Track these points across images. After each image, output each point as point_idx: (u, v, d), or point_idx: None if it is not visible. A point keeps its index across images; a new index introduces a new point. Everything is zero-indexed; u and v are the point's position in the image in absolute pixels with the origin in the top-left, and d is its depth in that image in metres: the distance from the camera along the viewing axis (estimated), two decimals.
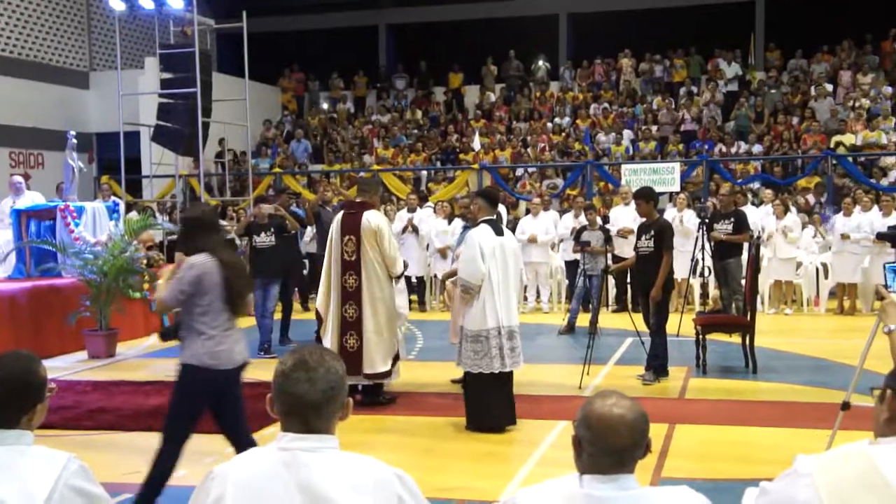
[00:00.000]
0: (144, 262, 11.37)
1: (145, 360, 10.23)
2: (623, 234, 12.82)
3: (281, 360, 2.21)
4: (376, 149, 20.12)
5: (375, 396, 7.51)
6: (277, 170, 18.66)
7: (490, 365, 6.60)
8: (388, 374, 7.44)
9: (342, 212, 7.60)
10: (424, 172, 19.19)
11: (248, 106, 15.85)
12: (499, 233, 6.75)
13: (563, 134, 19.86)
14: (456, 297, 7.26)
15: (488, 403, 6.66)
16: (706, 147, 17.78)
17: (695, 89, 20.16)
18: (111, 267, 10.43)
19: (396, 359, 7.52)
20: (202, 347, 4.58)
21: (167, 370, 9.34)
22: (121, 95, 14.99)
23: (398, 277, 7.45)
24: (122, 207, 12.91)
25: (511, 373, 6.79)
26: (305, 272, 14.05)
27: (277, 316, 10.70)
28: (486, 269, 6.55)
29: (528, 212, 14.66)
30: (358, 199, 7.58)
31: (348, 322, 7.37)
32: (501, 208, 14.19)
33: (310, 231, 13.59)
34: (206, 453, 5.47)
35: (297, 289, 14.43)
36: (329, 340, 7.36)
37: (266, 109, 22.40)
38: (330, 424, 2.20)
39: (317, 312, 7.61)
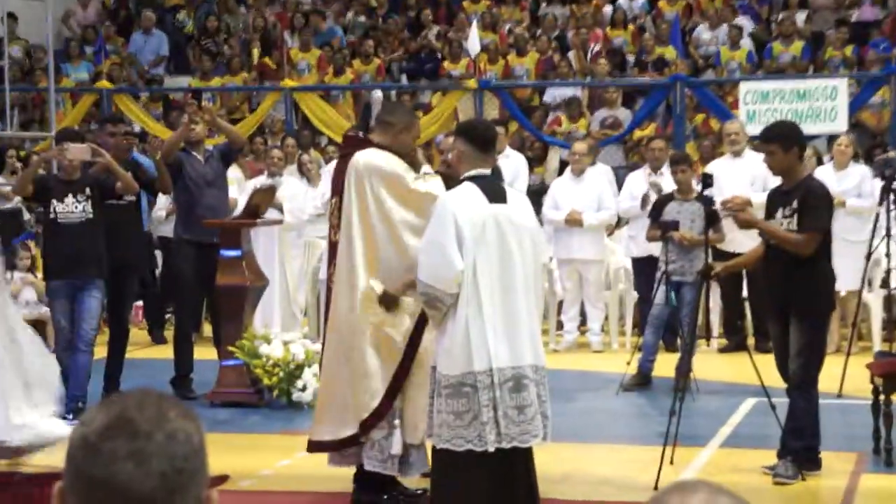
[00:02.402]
0: None
1: None
2: (738, 208, 12.76)
3: (83, 420, 2.16)
4: (289, 50, 20.02)
5: (375, 494, 7.82)
6: (105, 84, 18.58)
7: (481, 436, 6.66)
8: (340, 446, 7.77)
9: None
10: (379, 93, 19.09)
11: None
12: (496, 197, 6.87)
13: (633, 28, 19.82)
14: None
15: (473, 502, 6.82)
16: None
17: None
18: None
19: (376, 418, 7.67)
20: None
21: None
22: None
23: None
24: None
25: (525, 454, 6.85)
26: (158, 271, 14.11)
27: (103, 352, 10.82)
28: (470, 264, 6.65)
29: (563, 169, 14.57)
30: (370, 136, 8.02)
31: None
32: (517, 159, 14.14)
33: (164, 199, 13.48)
34: None
35: (141, 301, 14.33)
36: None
37: None
38: None
39: None
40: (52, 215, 10.45)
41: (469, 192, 6.84)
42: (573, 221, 13.46)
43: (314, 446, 7.94)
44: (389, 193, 7.53)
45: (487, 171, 7.00)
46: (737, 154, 13.15)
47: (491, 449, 6.68)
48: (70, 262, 10.33)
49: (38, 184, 10.65)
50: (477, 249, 6.70)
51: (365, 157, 7.63)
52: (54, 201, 10.42)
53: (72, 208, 10.41)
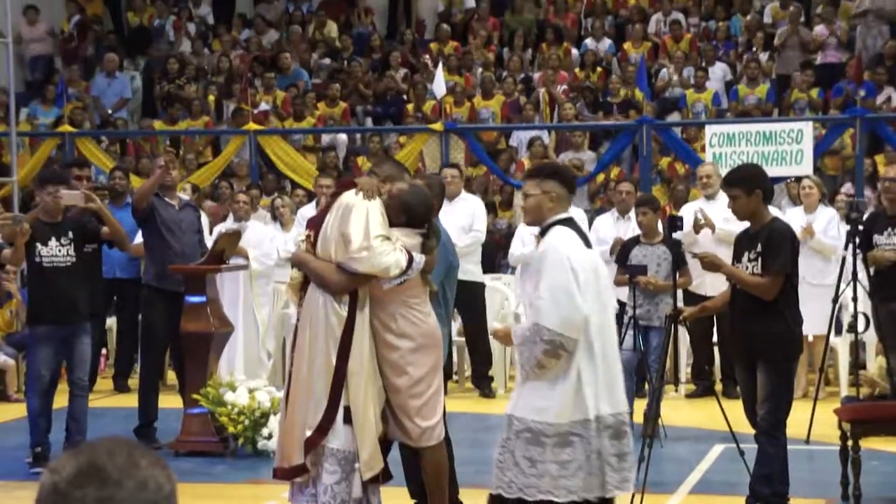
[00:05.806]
0: None
1: None
2: (709, 257, 12.77)
3: (52, 467, 2.22)
4: (255, 94, 19.96)
5: None
6: (67, 128, 18.44)
7: (589, 486, 6.68)
8: (292, 473, 7.56)
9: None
10: (344, 137, 19.09)
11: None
12: (586, 241, 7.01)
13: (599, 69, 19.92)
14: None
15: None
16: (862, 94, 17.92)
17: None
18: None
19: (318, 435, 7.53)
20: None
21: None
22: None
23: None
24: None
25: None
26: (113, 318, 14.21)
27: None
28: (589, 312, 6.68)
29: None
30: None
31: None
32: (474, 202, 14.11)
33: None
34: None
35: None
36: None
37: (48, 9, 22.32)
38: None
39: None
40: (37, 259, 10.21)
41: (572, 237, 6.81)
42: None
43: (274, 472, 7.74)
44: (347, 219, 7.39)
45: (569, 216, 6.97)
46: (710, 197, 13.10)
47: (593, 498, 6.66)
48: (60, 307, 10.12)
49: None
50: (586, 294, 6.66)
51: (351, 195, 7.52)
52: (38, 244, 10.18)
53: (55, 252, 10.20)
